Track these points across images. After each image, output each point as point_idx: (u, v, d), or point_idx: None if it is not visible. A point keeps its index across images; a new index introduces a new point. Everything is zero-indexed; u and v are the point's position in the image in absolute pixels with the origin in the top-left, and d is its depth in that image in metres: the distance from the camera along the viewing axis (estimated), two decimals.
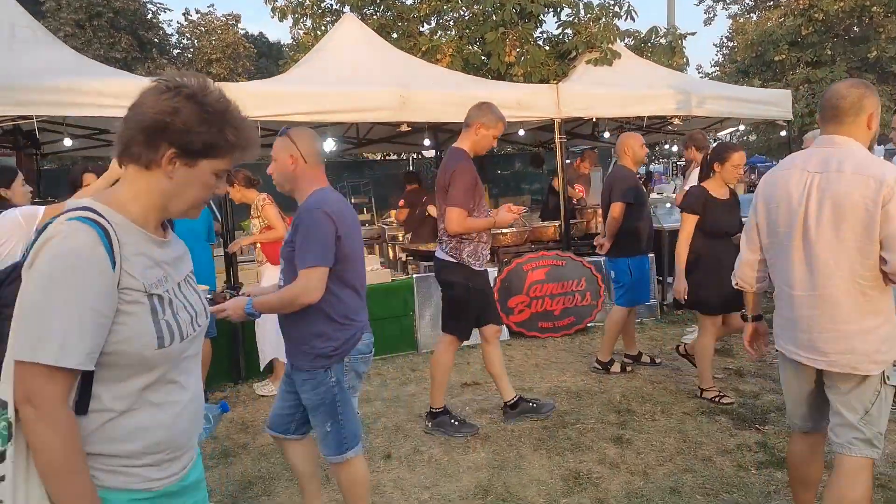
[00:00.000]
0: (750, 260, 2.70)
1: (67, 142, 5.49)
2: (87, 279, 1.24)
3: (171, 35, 25.20)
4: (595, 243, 5.59)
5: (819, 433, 2.63)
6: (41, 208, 3.08)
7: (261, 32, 31.01)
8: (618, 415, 4.30)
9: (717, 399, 4.41)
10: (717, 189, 4.40)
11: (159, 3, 24.32)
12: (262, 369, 5.15)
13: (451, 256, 3.95)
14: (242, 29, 24.79)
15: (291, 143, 2.55)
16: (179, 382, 1.44)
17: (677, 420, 4.18)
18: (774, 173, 2.60)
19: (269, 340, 4.90)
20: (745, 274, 2.73)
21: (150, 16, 23.07)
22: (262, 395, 4.95)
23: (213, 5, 36.57)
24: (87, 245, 1.25)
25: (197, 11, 24.09)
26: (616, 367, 5.14)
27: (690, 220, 4.37)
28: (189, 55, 23.93)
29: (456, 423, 4.13)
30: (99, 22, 20.37)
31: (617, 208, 5.05)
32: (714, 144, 5.30)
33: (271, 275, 4.91)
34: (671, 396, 4.61)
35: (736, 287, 2.81)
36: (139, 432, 1.35)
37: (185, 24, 24.24)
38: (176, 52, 24.89)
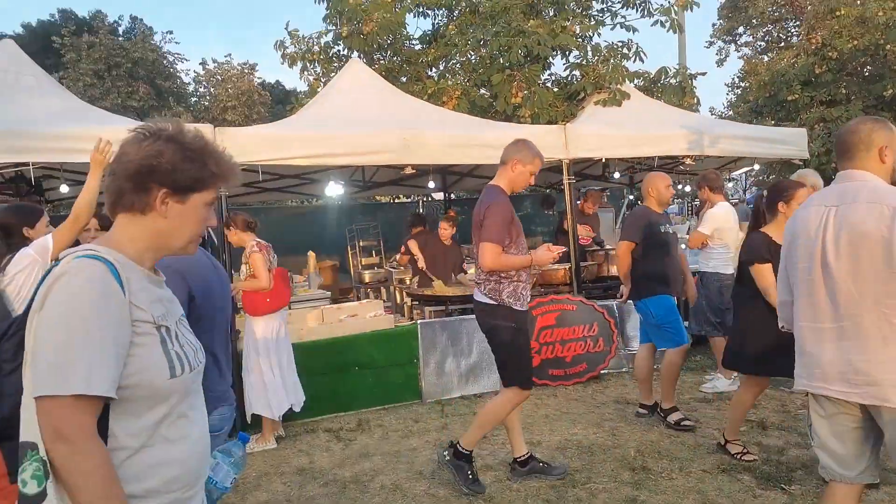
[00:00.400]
0: (787, 301, 2.68)
1: (64, 188, 5.44)
2: (105, 308, 1.28)
3: (189, 84, 25.75)
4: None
5: (858, 485, 2.47)
6: (49, 237, 3.06)
7: (277, 80, 31.59)
8: (632, 473, 4.01)
9: (739, 455, 4.10)
10: (781, 234, 3.96)
11: (177, 53, 24.94)
12: (249, 421, 4.93)
13: (491, 298, 3.73)
14: (259, 77, 25.27)
15: None
16: (189, 417, 1.45)
17: (696, 479, 3.88)
18: (797, 213, 2.64)
19: (254, 393, 4.72)
20: (786, 315, 2.72)
21: (167, 65, 23.61)
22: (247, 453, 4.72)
23: (230, 55, 37.46)
24: (100, 277, 1.30)
25: (214, 60, 24.57)
26: (674, 417, 4.74)
27: (767, 270, 3.78)
28: (206, 103, 24.36)
29: (471, 476, 3.86)
30: (118, 72, 20.88)
31: (619, 247, 4.91)
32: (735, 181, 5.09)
33: (254, 329, 4.74)
34: (689, 452, 4.32)
35: (782, 329, 2.79)
36: (155, 469, 1.36)
37: (202, 72, 24.77)
38: (193, 99, 25.37)
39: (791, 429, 4.61)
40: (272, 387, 4.68)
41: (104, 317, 1.27)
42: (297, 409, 4.90)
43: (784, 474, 3.87)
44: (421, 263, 6.99)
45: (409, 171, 6.41)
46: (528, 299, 3.87)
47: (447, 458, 3.93)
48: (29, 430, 1.24)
